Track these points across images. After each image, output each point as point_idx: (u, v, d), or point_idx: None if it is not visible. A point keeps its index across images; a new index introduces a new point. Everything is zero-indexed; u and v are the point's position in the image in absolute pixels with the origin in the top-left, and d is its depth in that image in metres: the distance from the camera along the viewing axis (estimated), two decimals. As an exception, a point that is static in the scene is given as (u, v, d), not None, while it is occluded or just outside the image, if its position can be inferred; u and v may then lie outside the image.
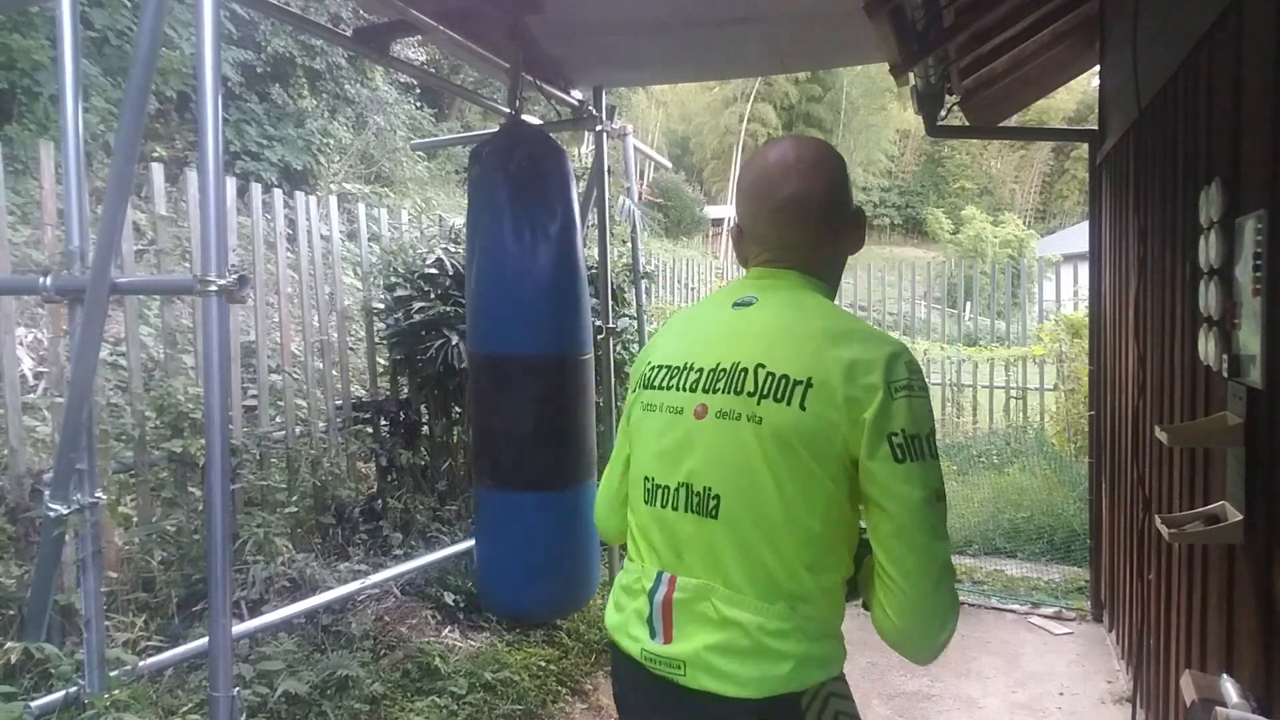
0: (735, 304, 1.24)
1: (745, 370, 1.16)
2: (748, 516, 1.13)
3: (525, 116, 3.18)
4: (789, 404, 1.11)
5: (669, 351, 1.28)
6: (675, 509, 1.19)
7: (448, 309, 3.84)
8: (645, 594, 1.21)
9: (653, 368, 1.28)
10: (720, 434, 1.15)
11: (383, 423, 4.00)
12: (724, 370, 1.18)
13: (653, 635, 1.19)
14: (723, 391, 1.17)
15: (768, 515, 1.12)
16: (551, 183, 2.86)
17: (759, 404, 1.13)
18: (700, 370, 1.20)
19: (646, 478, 1.24)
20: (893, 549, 1.09)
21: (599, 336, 3.86)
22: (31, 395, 3.48)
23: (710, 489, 1.16)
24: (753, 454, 1.12)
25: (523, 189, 2.77)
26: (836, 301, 1.32)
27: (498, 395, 2.83)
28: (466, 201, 2.95)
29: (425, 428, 4.12)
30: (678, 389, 1.22)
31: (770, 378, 1.13)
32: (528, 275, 2.76)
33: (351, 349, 4.40)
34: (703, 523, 1.16)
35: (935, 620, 1.10)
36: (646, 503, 1.24)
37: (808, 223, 1.24)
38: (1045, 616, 3.92)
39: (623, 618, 1.26)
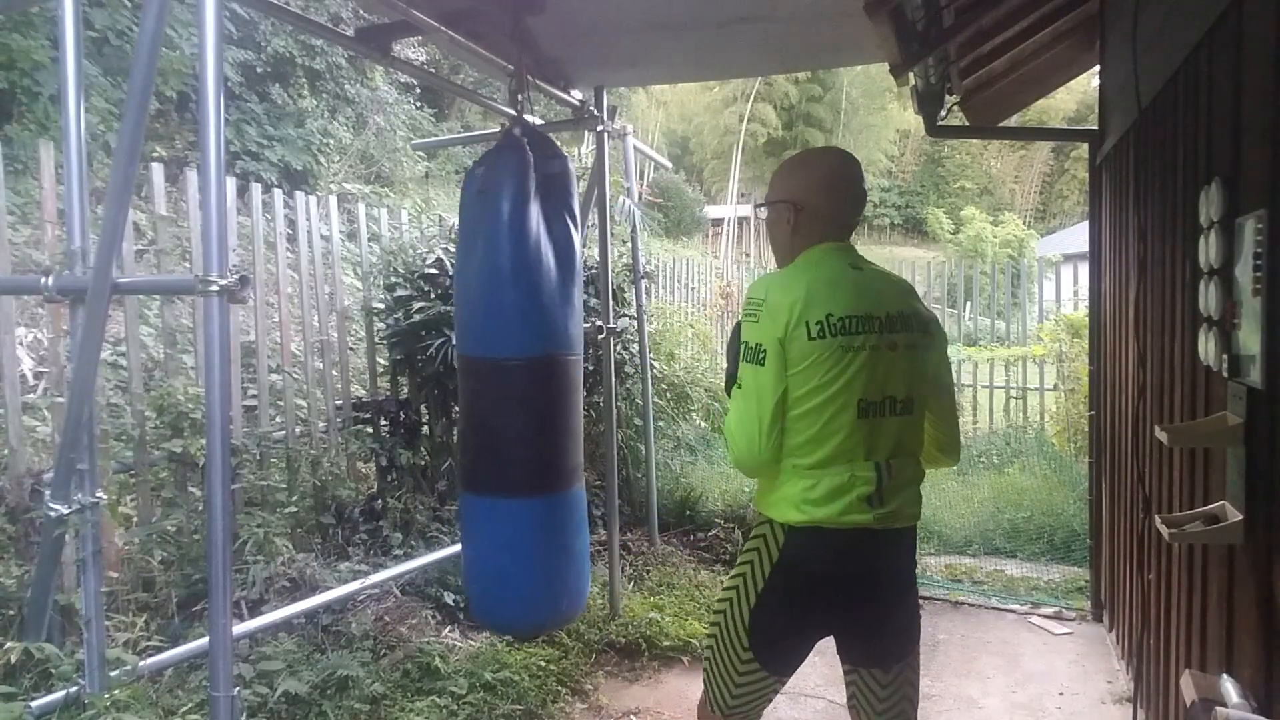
0: (852, 267, 1.78)
1: (906, 316, 1.76)
2: (921, 409, 1.80)
3: (525, 117, 3.18)
4: (930, 334, 1.80)
5: (837, 303, 1.68)
6: (883, 415, 1.71)
7: (448, 309, 3.84)
8: (868, 482, 1.69)
9: (832, 318, 1.67)
10: (909, 359, 1.74)
11: (383, 423, 4.00)
12: (893, 316, 1.73)
13: (873, 505, 1.69)
14: (901, 331, 1.74)
15: (925, 405, 1.82)
16: (555, 185, 2.82)
17: (923, 336, 1.78)
18: (878, 318, 1.71)
19: (861, 400, 1.68)
20: (950, 403, 1.92)
21: (599, 336, 3.86)
22: (31, 395, 3.48)
23: (910, 396, 1.75)
24: (923, 369, 1.78)
25: (528, 195, 2.71)
26: None
27: (480, 398, 2.75)
28: (460, 205, 2.89)
29: (425, 428, 4.12)
30: (871, 331, 1.69)
31: (919, 318, 1.79)
32: (509, 276, 2.66)
33: (351, 349, 4.40)
34: (901, 420, 1.74)
35: (959, 432, 1.96)
36: (861, 417, 1.68)
37: (861, 211, 1.91)
38: (1045, 616, 3.92)
39: (841, 504, 1.68)
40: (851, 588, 1.75)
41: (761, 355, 1.68)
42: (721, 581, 4.12)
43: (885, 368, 1.70)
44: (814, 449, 1.69)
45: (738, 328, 1.77)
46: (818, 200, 1.82)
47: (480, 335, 2.74)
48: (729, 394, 1.80)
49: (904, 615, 1.84)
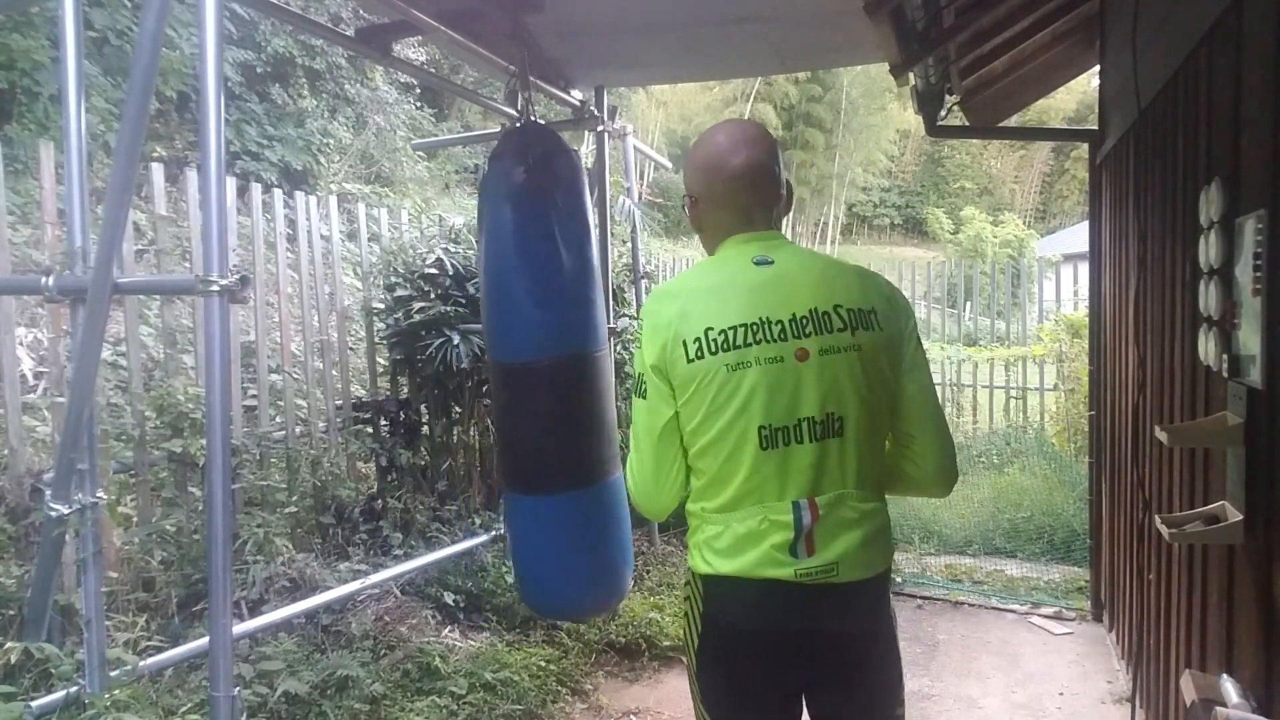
0: (756, 263, 1.44)
1: (826, 313, 1.39)
2: (864, 428, 1.40)
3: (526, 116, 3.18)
4: (872, 329, 1.40)
5: (718, 313, 1.39)
6: (800, 442, 1.37)
7: (448, 309, 3.84)
8: (784, 527, 1.37)
9: (710, 333, 1.38)
10: (829, 367, 1.37)
11: (383, 423, 4.00)
12: (803, 317, 1.39)
13: (796, 555, 1.38)
14: (814, 334, 1.38)
15: (874, 423, 1.42)
16: (562, 181, 2.80)
17: (854, 335, 1.39)
18: (780, 322, 1.38)
19: (762, 427, 1.36)
20: (929, 418, 1.48)
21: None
22: (31, 395, 3.48)
23: (834, 413, 1.38)
24: (858, 376, 1.38)
25: (536, 190, 2.71)
26: None
27: (518, 402, 2.81)
28: (478, 206, 2.89)
29: (425, 428, 4.12)
30: (767, 340, 1.37)
31: (853, 312, 1.40)
32: (545, 279, 2.71)
33: (351, 349, 4.40)
34: (828, 444, 1.38)
35: (955, 469, 1.52)
36: (764, 449, 1.37)
37: (770, 187, 1.49)
38: (1045, 616, 3.92)
39: (754, 556, 1.39)
40: (787, 648, 1.43)
41: (643, 388, 1.44)
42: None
43: (792, 383, 1.36)
44: (718, 491, 1.41)
45: None
46: (708, 188, 1.50)
47: (499, 339, 2.80)
48: None
49: (865, 691, 1.48)
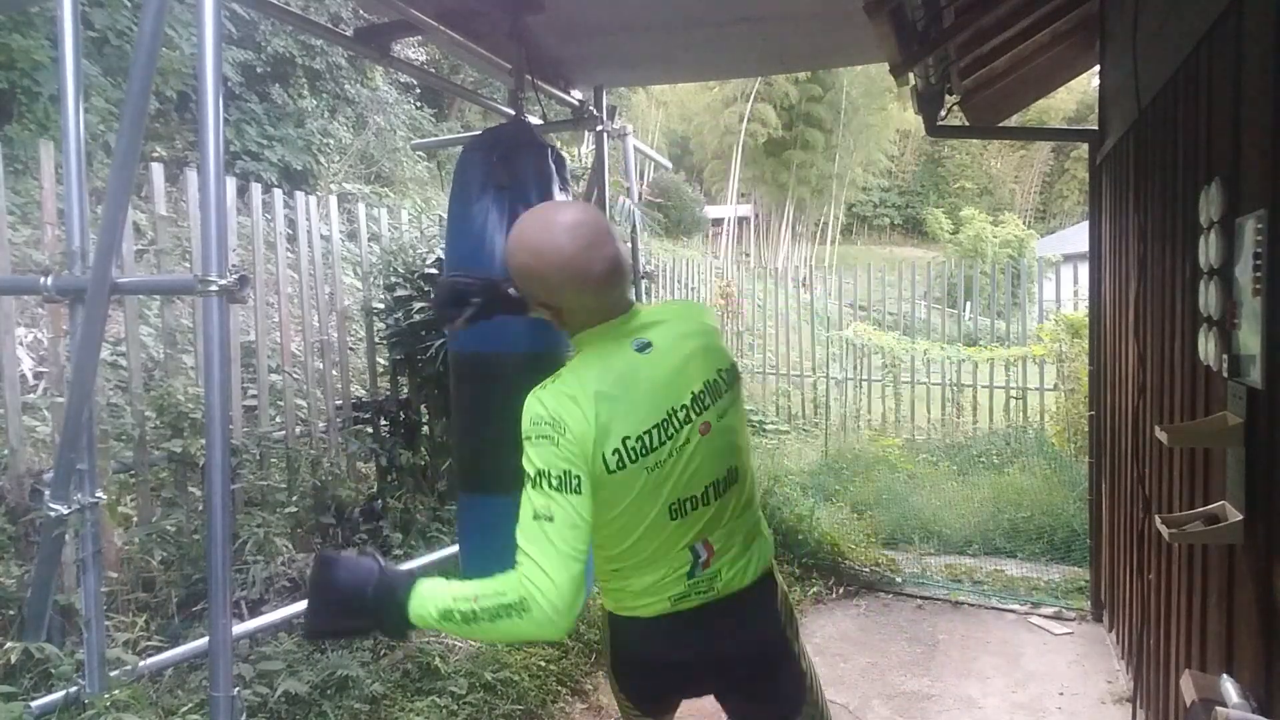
0: (637, 349, 1.45)
1: (714, 381, 1.49)
2: (744, 466, 1.55)
3: (525, 117, 3.18)
4: (734, 372, 1.55)
5: (633, 419, 1.38)
6: (706, 504, 1.46)
7: (448, 309, 3.83)
8: (682, 565, 1.46)
9: (629, 442, 1.37)
10: (724, 429, 1.48)
11: (383, 423, 4.00)
12: (700, 393, 1.46)
13: (692, 576, 1.47)
14: (710, 404, 1.47)
15: (749, 450, 1.58)
16: (529, 177, 2.76)
17: (726, 393, 1.51)
18: (684, 407, 1.43)
19: (673, 505, 1.42)
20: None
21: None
22: (31, 395, 3.48)
23: (732, 466, 1.50)
24: (740, 425, 1.54)
25: (503, 186, 2.68)
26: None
27: (480, 397, 2.75)
28: (449, 200, 2.88)
29: (425, 428, 4.12)
30: (676, 430, 1.42)
31: (728, 370, 1.52)
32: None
33: (351, 349, 4.40)
34: (729, 493, 1.50)
35: None
36: (674, 518, 1.43)
37: (627, 270, 1.47)
38: (1045, 616, 3.92)
39: (657, 598, 1.48)
40: (687, 671, 1.56)
41: (569, 481, 1.31)
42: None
43: (700, 457, 1.43)
44: (618, 555, 1.47)
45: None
46: (575, 298, 1.42)
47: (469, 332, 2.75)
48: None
49: (769, 698, 1.59)
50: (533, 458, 1.33)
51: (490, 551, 2.76)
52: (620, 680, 1.66)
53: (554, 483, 1.30)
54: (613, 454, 1.35)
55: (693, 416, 1.43)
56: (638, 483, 1.38)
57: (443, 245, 4.14)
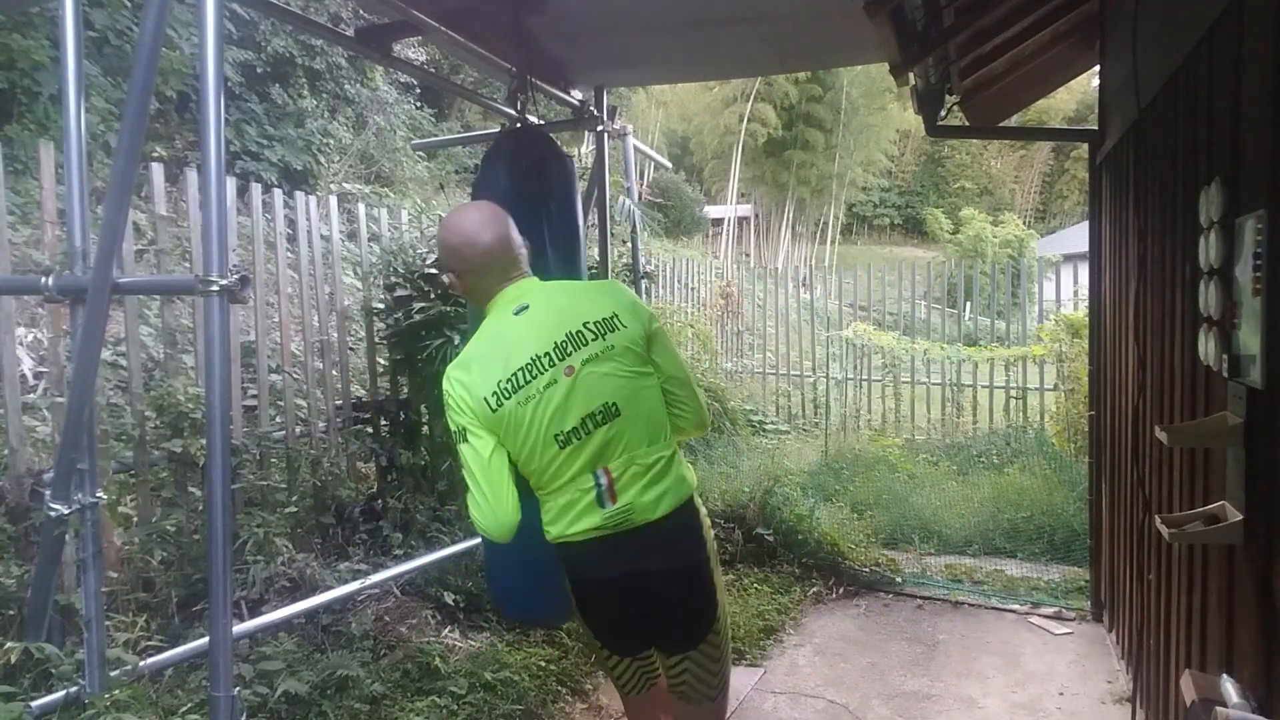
0: (516, 313, 1.84)
1: (578, 332, 1.81)
2: (634, 403, 1.82)
3: (526, 117, 3.17)
4: (617, 330, 1.83)
5: (501, 368, 1.78)
6: (586, 434, 1.79)
7: (448, 309, 3.84)
8: (589, 490, 1.81)
9: (501, 384, 1.77)
10: (594, 372, 1.79)
11: (383, 423, 4.00)
12: (562, 342, 1.79)
13: (604, 506, 1.81)
14: (574, 352, 1.79)
15: (641, 395, 1.84)
16: (557, 186, 2.81)
17: (604, 338, 1.81)
18: (546, 354, 1.79)
19: (556, 435, 1.78)
20: (681, 384, 1.93)
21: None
22: (31, 395, 3.48)
23: (608, 403, 1.80)
24: (619, 368, 1.81)
25: (528, 193, 2.71)
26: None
27: None
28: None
29: (425, 428, 4.12)
30: (541, 372, 1.77)
31: (598, 323, 1.82)
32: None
33: (351, 349, 4.40)
34: (612, 425, 1.80)
35: (700, 400, 1.97)
36: (561, 448, 1.78)
37: (512, 250, 1.90)
38: (1045, 616, 3.92)
39: (573, 517, 1.82)
40: (621, 587, 1.90)
41: (464, 434, 1.79)
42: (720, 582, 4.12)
43: (568, 395, 1.77)
44: (543, 482, 1.83)
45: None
46: (468, 264, 1.87)
47: None
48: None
49: (683, 608, 1.95)
50: (447, 422, 1.83)
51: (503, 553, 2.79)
52: (582, 613, 1.99)
53: (456, 436, 1.80)
54: (492, 395, 1.76)
55: (555, 361, 1.78)
56: (522, 416, 1.76)
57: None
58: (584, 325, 1.81)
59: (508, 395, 1.76)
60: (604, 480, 1.80)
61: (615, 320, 1.84)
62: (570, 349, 1.79)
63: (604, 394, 1.79)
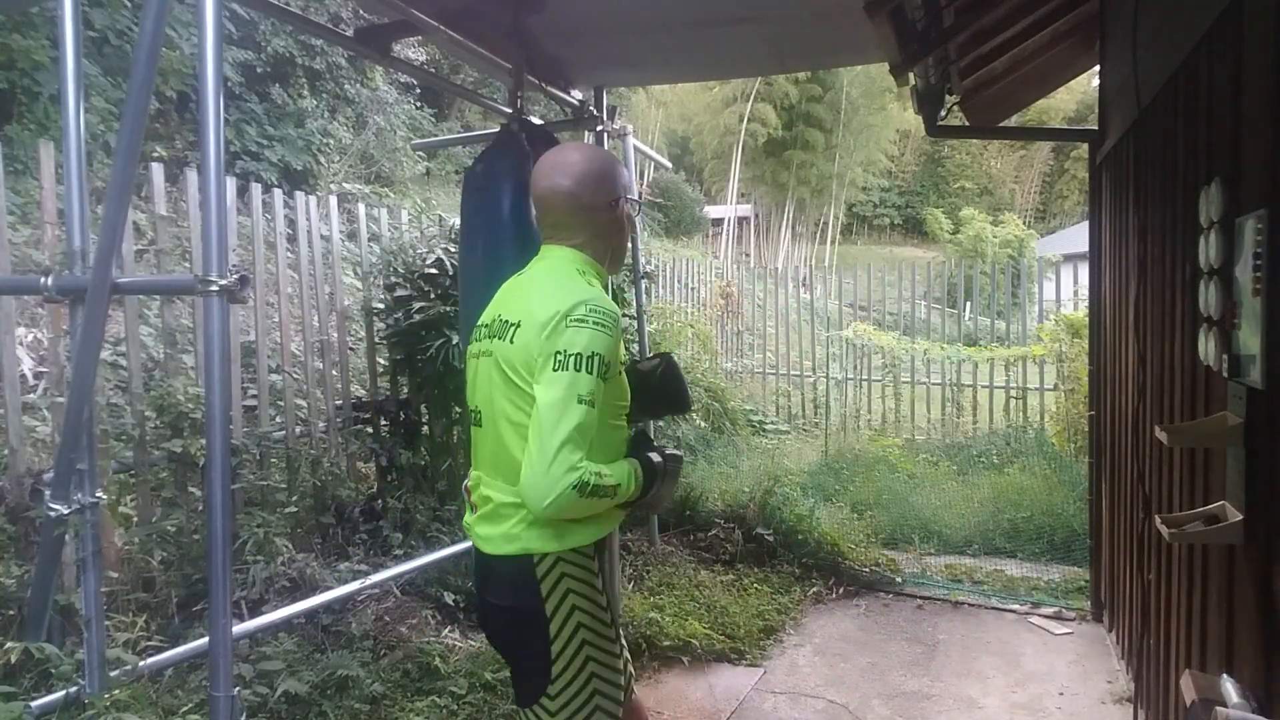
0: (520, 273, 1.71)
1: (505, 320, 1.61)
2: (492, 423, 1.61)
3: (526, 117, 3.17)
4: (505, 340, 1.57)
5: (483, 312, 1.71)
6: (477, 425, 1.67)
7: (448, 309, 3.84)
8: (474, 485, 1.67)
9: (477, 326, 1.70)
10: (486, 366, 1.63)
11: (383, 423, 4.00)
12: (494, 323, 1.64)
13: (470, 509, 1.69)
14: (489, 337, 1.63)
15: (500, 421, 1.58)
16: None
17: (493, 343, 1.61)
18: (487, 324, 1.66)
19: (473, 409, 1.68)
20: (534, 429, 1.46)
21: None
22: (31, 395, 3.48)
23: (478, 408, 1.66)
24: (490, 379, 1.61)
25: (523, 193, 2.71)
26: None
27: None
28: (460, 203, 2.89)
29: (425, 428, 4.12)
30: (479, 339, 1.67)
31: (504, 322, 1.60)
32: (511, 271, 2.69)
33: (351, 349, 4.40)
34: (479, 432, 1.66)
35: (547, 491, 1.43)
36: (474, 424, 1.68)
37: (554, 214, 1.66)
38: (1045, 616, 3.92)
39: (468, 507, 1.72)
40: (480, 601, 1.73)
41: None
42: (721, 581, 4.12)
43: (474, 376, 1.68)
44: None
45: None
46: (535, 200, 1.72)
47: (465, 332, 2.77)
48: None
49: (520, 663, 1.67)
50: None
51: None
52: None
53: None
54: (473, 329, 1.71)
55: (485, 337, 1.66)
56: (470, 367, 1.70)
57: (444, 245, 4.15)
58: (508, 316, 1.61)
59: (469, 340, 1.73)
60: (470, 482, 1.70)
61: (512, 330, 1.56)
62: (490, 333, 1.64)
63: (481, 395, 1.65)
